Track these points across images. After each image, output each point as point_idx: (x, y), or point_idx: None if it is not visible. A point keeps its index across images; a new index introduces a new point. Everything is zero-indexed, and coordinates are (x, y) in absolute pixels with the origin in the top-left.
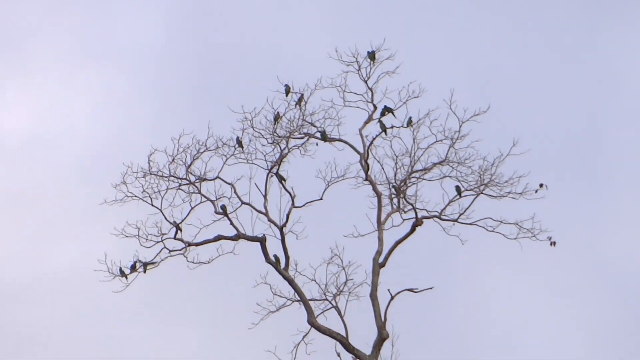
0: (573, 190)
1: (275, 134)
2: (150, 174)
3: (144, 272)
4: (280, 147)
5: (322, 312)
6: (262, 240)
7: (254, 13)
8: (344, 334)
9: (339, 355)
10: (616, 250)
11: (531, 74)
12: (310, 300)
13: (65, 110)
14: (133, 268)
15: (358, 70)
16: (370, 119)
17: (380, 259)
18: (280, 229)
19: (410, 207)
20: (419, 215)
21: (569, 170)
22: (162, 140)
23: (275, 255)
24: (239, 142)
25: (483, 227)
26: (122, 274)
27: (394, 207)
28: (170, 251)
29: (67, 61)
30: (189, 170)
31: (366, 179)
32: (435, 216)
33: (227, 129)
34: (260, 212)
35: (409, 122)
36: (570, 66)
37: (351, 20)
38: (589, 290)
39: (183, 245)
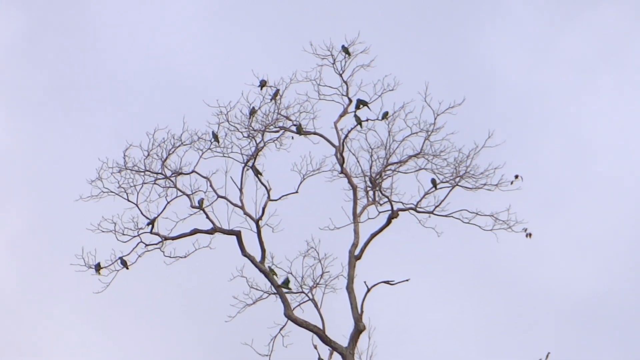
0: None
1: (250, 128)
2: (126, 169)
3: (126, 268)
4: (255, 141)
5: (298, 305)
6: (238, 234)
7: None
8: (320, 326)
9: (315, 347)
10: None
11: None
12: (287, 293)
13: None
14: (124, 264)
15: (333, 64)
16: (345, 112)
17: (356, 252)
18: (256, 222)
19: (385, 199)
20: (395, 208)
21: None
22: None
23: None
24: (215, 136)
25: (459, 219)
26: (99, 268)
27: (370, 199)
28: (146, 245)
29: None
30: (164, 164)
31: (342, 172)
32: (410, 208)
33: (202, 123)
34: (236, 205)
35: (385, 115)
36: None
37: (326, 14)
38: None
39: (159, 240)
